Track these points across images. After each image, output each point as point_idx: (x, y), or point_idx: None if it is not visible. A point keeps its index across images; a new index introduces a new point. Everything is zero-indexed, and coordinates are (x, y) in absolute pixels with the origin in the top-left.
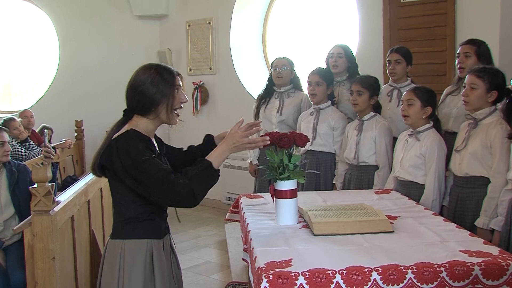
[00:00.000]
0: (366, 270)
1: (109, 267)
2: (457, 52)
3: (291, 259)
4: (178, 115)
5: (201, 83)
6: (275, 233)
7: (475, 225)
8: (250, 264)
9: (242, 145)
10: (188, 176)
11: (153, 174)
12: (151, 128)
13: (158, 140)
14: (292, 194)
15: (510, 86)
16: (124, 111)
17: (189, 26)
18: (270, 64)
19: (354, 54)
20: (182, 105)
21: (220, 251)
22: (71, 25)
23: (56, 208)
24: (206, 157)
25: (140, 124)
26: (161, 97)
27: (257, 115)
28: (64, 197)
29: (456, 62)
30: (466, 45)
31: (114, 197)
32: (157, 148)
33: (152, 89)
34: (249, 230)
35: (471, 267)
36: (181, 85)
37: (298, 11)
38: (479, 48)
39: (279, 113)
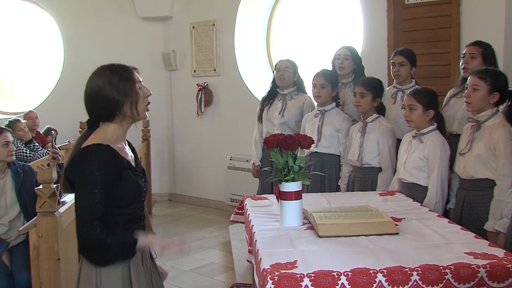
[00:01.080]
0: (371, 272)
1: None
2: (463, 52)
3: (296, 260)
4: (147, 110)
5: (205, 84)
6: (280, 234)
7: (485, 229)
8: (255, 266)
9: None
10: (112, 238)
11: (83, 207)
12: (120, 133)
13: (131, 145)
14: (297, 195)
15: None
16: (87, 122)
17: (193, 27)
18: (274, 66)
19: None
20: (149, 100)
21: (224, 253)
22: (75, 26)
23: (61, 209)
24: (137, 235)
25: (108, 131)
26: (123, 97)
27: (260, 117)
28: (69, 198)
29: (460, 63)
30: (472, 46)
31: None
32: (129, 154)
33: (112, 91)
34: (254, 232)
35: (476, 269)
36: (141, 79)
37: (302, 13)
38: (485, 50)
39: (281, 115)
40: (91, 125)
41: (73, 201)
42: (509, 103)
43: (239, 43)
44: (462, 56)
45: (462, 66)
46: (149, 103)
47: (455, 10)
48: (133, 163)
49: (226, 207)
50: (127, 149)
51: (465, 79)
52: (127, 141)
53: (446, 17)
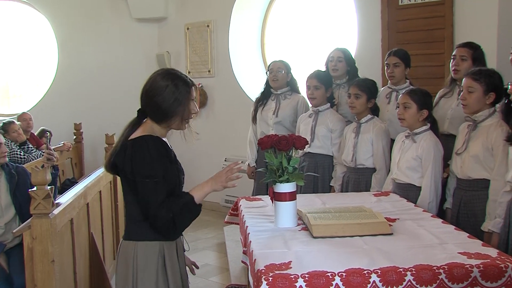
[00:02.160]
0: (365, 272)
1: (122, 269)
2: (453, 53)
3: (291, 261)
4: (188, 124)
5: (200, 86)
6: (274, 235)
7: (482, 229)
8: (249, 267)
9: (223, 186)
10: (172, 210)
11: (148, 197)
12: (163, 132)
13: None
14: (291, 196)
15: (507, 87)
16: (138, 111)
17: (187, 29)
18: (267, 67)
19: (353, 56)
20: (193, 116)
21: (219, 254)
22: (70, 28)
23: (56, 211)
24: (189, 191)
25: (155, 128)
26: (175, 109)
27: (254, 118)
28: (63, 200)
29: (451, 64)
30: (463, 48)
31: (125, 197)
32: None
33: (167, 101)
34: (249, 233)
35: (469, 269)
36: (195, 95)
37: (296, 14)
38: (475, 52)
39: (275, 115)
40: (140, 116)
41: (67, 203)
42: (505, 101)
43: (234, 44)
44: (452, 57)
45: (453, 68)
46: (191, 118)
47: (448, 11)
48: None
49: (221, 208)
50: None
51: (454, 80)
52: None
53: (439, 18)
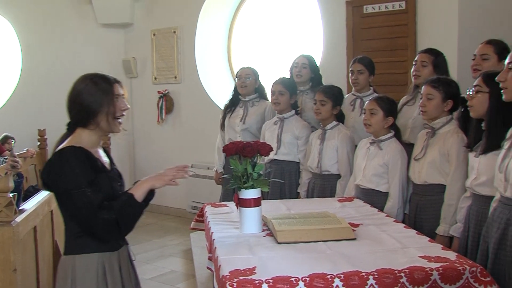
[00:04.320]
0: (328, 277)
1: (60, 285)
2: (415, 59)
3: (255, 267)
4: (121, 123)
5: (166, 92)
6: (239, 241)
7: (436, 233)
8: (214, 273)
9: (165, 183)
10: (113, 209)
11: (80, 208)
12: (94, 140)
13: (106, 151)
14: (256, 202)
15: (464, 95)
16: (67, 124)
17: (154, 34)
18: (235, 74)
19: (318, 63)
20: (124, 113)
21: (186, 260)
22: (34, 33)
23: (18, 219)
24: (127, 190)
25: (83, 137)
26: (98, 106)
27: (223, 125)
28: (27, 207)
29: (412, 70)
30: (424, 53)
31: (61, 211)
32: (103, 158)
33: (89, 99)
34: (214, 239)
35: (429, 272)
36: (122, 92)
37: (263, 21)
38: (436, 59)
39: (242, 122)
40: (70, 128)
41: (31, 210)
42: (462, 109)
43: (200, 51)
44: (414, 63)
45: (413, 74)
46: (122, 115)
47: (411, 20)
48: (108, 167)
49: (187, 214)
50: (101, 154)
51: (417, 87)
52: (104, 147)
53: (403, 26)
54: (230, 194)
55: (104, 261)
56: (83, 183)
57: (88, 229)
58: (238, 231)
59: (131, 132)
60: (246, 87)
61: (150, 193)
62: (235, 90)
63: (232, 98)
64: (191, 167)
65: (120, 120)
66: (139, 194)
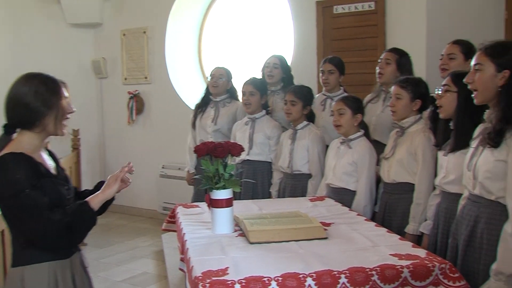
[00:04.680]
0: (301, 276)
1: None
2: (380, 57)
3: (228, 267)
4: (66, 126)
5: (137, 92)
6: (211, 242)
7: (406, 231)
8: (187, 274)
9: (115, 187)
10: (65, 213)
11: (26, 210)
12: (36, 144)
13: (52, 154)
14: (228, 203)
15: (433, 95)
16: (4, 126)
17: (124, 35)
18: (208, 73)
19: (289, 63)
20: (69, 116)
21: (157, 262)
22: (0, 33)
23: None
24: (84, 201)
25: (24, 141)
26: (47, 109)
27: (193, 124)
28: None
29: (377, 68)
30: (389, 52)
31: (7, 220)
32: (48, 162)
33: (37, 100)
34: (186, 240)
35: (400, 269)
36: (67, 94)
37: (234, 21)
38: (400, 58)
39: (213, 123)
40: (7, 131)
41: None
42: (432, 108)
43: (170, 51)
44: (378, 61)
45: (378, 71)
46: (67, 118)
47: (381, 20)
48: (53, 171)
49: (159, 215)
50: (46, 158)
51: (381, 85)
52: (49, 150)
53: (372, 26)
54: (202, 194)
55: (56, 270)
56: (26, 186)
57: (36, 233)
58: (210, 232)
59: (101, 133)
60: (218, 87)
61: (103, 206)
62: (207, 89)
63: (203, 97)
64: (162, 168)
65: (65, 123)
66: (94, 203)
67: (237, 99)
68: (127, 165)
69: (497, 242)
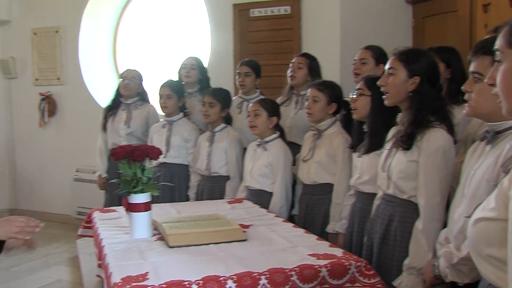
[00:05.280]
0: (221, 279)
1: None
2: (292, 61)
3: (147, 272)
4: None
5: (49, 93)
6: (130, 247)
7: (326, 231)
8: (105, 280)
9: (8, 236)
10: None
11: None
12: None
13: None
14: (146, 207)
15: (347, 99)
16: None
17: (34, 33)
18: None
19: (205, 66)
20: None
21: (72, 268)
22: None
23: None
24: None
25: None
26: None
27: (104, 127)
28: None
29: (288, 72)
30: (300, 57)
31: None
32: None
33: None
34: (103, 245)
35: (318, 269)
36: None
37: (150, 22)
38: (311, 62)
39: (126, 126)
40: None
41: None
42: (344, 112)
43: (84, 52)
44: (290, 65)
45: (290, 74)
46: None
47: (296, 24)
48: None
49: (73, 220)
50: None
51: (292, 88)
52: None
53: (288, 30)
54: (115, 198)
55: None
56: None
57: None
58: (128, 237)
59: (10, 136)
60: (130, 89)
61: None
62: (117, 91)
63: (114, 99)
64: (76, 171)
65: None
66: None
67: (148, 102)
68: (36, 225)
69: (409, 239)
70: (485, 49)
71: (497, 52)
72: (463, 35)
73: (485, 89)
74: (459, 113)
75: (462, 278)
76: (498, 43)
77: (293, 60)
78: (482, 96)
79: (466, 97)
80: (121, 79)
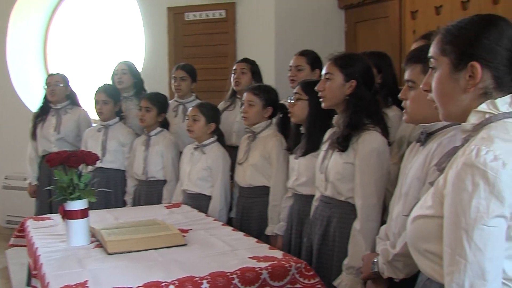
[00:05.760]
0: (163, 284)
1: None
2: (234, 68)
3: (87, 280)
4: None
5: None
6: (67, 255)
7: (266, 234)
8: None
9: None
10: None
11: None
12: None
13: None
14: (83, 213)
15: (283, 102)
16: None
17: None
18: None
19: (140, 69)
20: None
21: (2, 280)
22: None
23: None
24: None
25: None
26: None
27: (34, 134)
28: None
29: (232, 78)
30: (242, 62)
31: None
32: None
33: None
34: (39, 255)
35: (259, 271)
36: None
37: (82, 25)
38: (253, 66)
39: (56, 131)
40: None
41: None
42: (280, 115)
43: (13, 55)
44: (233, 71)
45: (235, 81)
46: None
47: (231, 28)
48: None
49: (2, 230)
50: None
51: (235, 93)
52: None
53: (223, 34)
54: (46, 206)
55: None
56: None
57: None
58: (65, 245)
59: None
60: (56, 95)
61: None
62: (45, 97)
63: (42, 106)
64: (5, 179)
65: None
66: None
67: (79, 105)
68: None
69: (348, 240)
70: (416, 57)
71: (431, 59)
72: (393, 40)
73: (419, 96)
74: (392, 116)
75: (398, 274)
76: (432, 51)
77: (234, 67)
78: (417, 103)
79: (402, 104)
80: (46, 86)
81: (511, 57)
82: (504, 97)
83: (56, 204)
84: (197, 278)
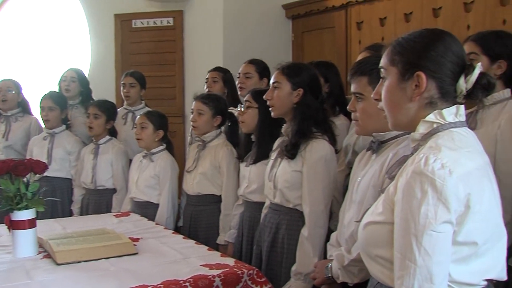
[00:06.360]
0: None
1: None
2: (206, 77)
3: None
4: None
5: None
6: (14, 267)
7: (217, 243)
8: None
9: None
10: None
11: None
12: None
13: None
14: (31, 224)
15: (233, 111)
16: None
17: None
18: None
19: (87, 76)
20: None
21: None
22: None
23: None
24: None
25: None
26: None
27: None
28: None
29: (205, 87)
30: (214, 71)
31: None
32: None
33: None
34: None
35: (212, 279)
36: None
37: (27, 31)
38: (225, 75)
39: (5, 138)
40: None
41: None
42: (229, 124)
43: None
44: (206, 80)
45: (207, 90)
46: None
47: (179, 36)
48: None
49: None
50: None
51: None
52: None
53: (171, 42)
54: None
55: None
56: None
57: None
58: (11, 256)
59: None
60: (7, 101)
61: None
62: None
63: None
64: None
65: None
66: None
67: (30, 113)
68: None
69: (296, 246)
70: (361, 70)
71: (382, 69)
72: (339, 50)
73: (367, 107)
74: (339, 125)
75: (352, 279)
76: (382, 61)
77: (207, 76)
78: (367, 114)
79: (352, 116)
80: None
81: (455, 70)
82: (450, 108)
83: (1, 214)
84: (150, 287)
